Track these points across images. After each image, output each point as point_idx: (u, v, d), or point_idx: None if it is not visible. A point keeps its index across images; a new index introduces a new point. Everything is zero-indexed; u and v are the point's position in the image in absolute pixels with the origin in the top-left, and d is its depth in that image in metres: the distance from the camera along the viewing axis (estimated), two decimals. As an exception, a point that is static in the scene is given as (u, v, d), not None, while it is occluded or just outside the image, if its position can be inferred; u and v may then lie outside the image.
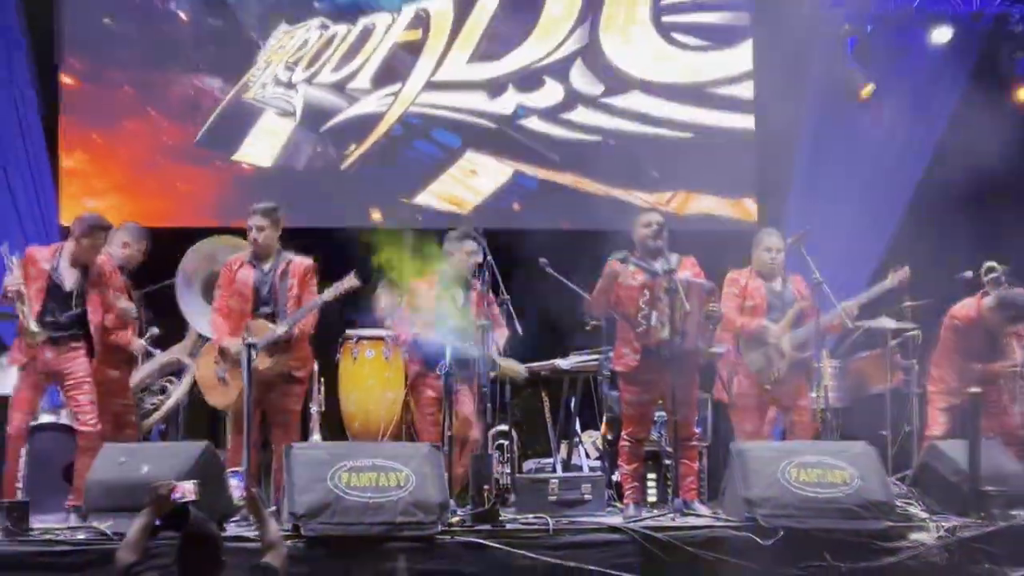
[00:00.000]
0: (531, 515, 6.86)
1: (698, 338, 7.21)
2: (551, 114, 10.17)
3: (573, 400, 8.41)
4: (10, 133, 9.52)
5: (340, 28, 10.06)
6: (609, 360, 7.67)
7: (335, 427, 8.29)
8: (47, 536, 6.33)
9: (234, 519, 6.57)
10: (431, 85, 10.08)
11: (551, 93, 10.17)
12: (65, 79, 9.73)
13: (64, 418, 7.63)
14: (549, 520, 6.68)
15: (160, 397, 8.29)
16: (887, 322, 8.44)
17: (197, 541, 4.90)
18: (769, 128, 10.16)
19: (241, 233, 7.59)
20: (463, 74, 10.11)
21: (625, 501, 7.32)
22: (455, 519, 6.64)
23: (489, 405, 7.17)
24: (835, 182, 10.09)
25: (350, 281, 7.31)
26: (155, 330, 7.95)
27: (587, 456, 8.42)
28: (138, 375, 8.04)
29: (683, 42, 10.34)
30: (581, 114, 10.19)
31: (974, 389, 7.52)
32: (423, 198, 10.00)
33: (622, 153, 10.17)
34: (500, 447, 7.58)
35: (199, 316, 7.97)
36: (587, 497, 7.12)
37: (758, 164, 10.27)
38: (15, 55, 9.53)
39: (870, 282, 8.57)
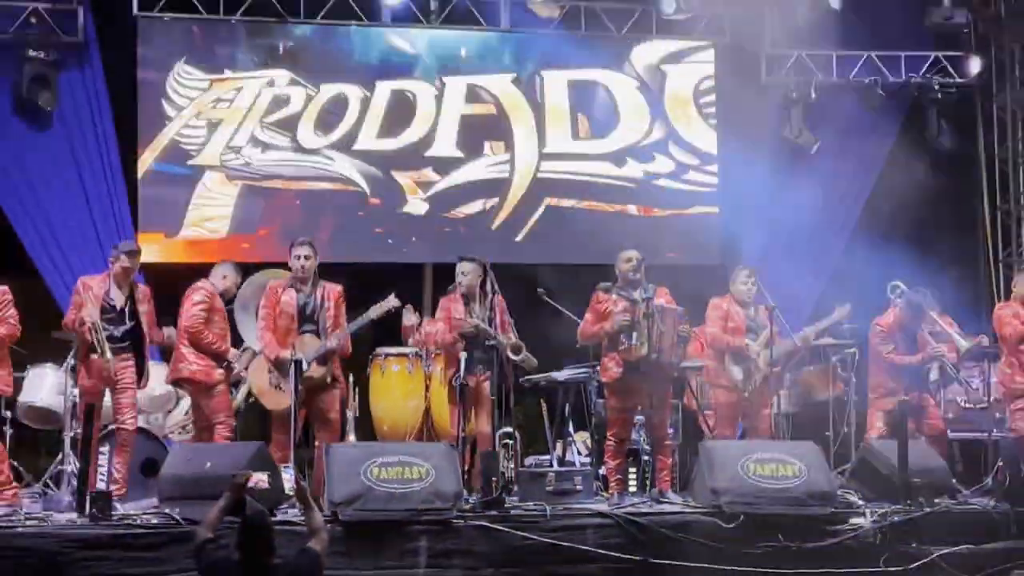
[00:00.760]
0: (532, 503, 7.22)
1: (671, 355, 7.61)
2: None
3: (567, 406, 8.69)
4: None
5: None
6: (597, 373, 8.07)
7: (367, 429, 8.86)
8: (126, 521, 6.68)
9: (284, 506, 6.91)
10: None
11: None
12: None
13: (140, 423, 7.83)
14: (547, 507, 7.09)
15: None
16: (829, 340, 8.87)
17: (255, 527, 5.29)
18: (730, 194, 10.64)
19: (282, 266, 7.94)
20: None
21: (610, 491, 7.66)
22: (468, 506, 7.02)
23: (497, 411, 7.50)
24: (785, 225, 10.56)
25: (391, 301, 7.63)
26: (246, 344, 8.18)
27: (579, 453, 8.73)
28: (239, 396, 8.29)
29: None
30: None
31: (902, 397, 8.01)
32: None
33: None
34: (505, 446, 7.55)
35: (253, 335, 8.17)
36: (579, 488, 7.45)
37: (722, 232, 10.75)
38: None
39: (814, 312, 9.12)
